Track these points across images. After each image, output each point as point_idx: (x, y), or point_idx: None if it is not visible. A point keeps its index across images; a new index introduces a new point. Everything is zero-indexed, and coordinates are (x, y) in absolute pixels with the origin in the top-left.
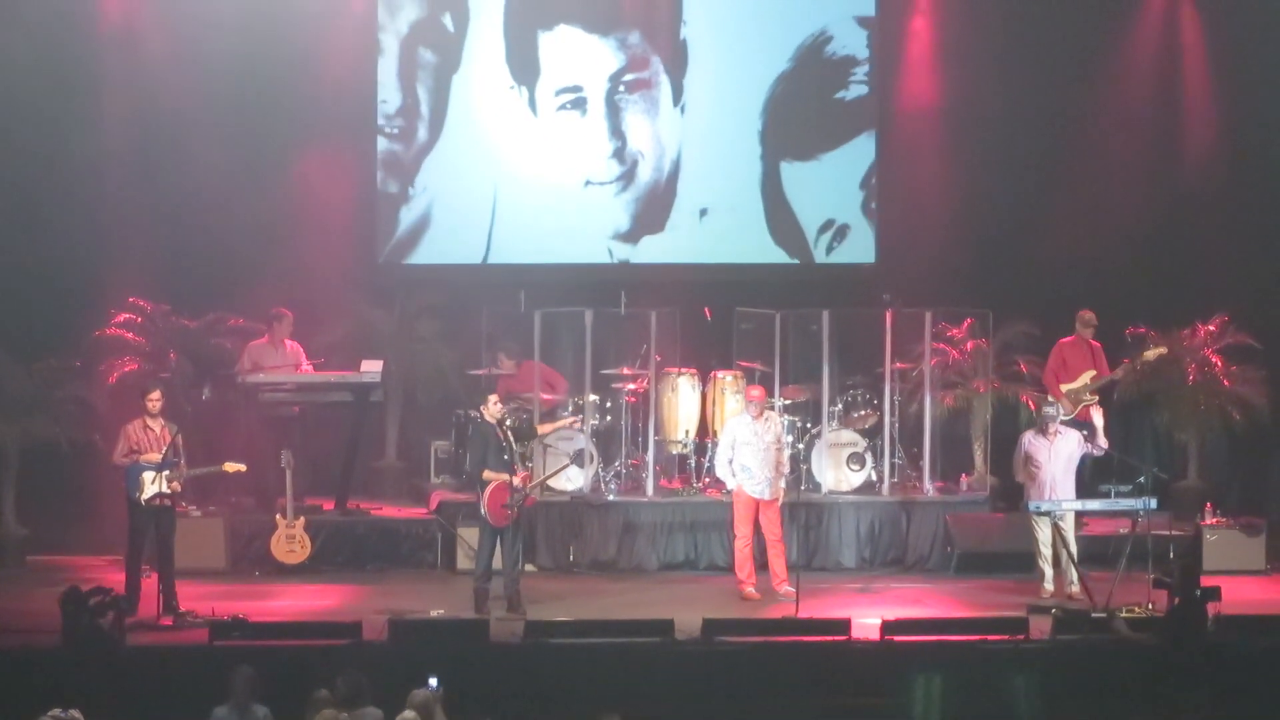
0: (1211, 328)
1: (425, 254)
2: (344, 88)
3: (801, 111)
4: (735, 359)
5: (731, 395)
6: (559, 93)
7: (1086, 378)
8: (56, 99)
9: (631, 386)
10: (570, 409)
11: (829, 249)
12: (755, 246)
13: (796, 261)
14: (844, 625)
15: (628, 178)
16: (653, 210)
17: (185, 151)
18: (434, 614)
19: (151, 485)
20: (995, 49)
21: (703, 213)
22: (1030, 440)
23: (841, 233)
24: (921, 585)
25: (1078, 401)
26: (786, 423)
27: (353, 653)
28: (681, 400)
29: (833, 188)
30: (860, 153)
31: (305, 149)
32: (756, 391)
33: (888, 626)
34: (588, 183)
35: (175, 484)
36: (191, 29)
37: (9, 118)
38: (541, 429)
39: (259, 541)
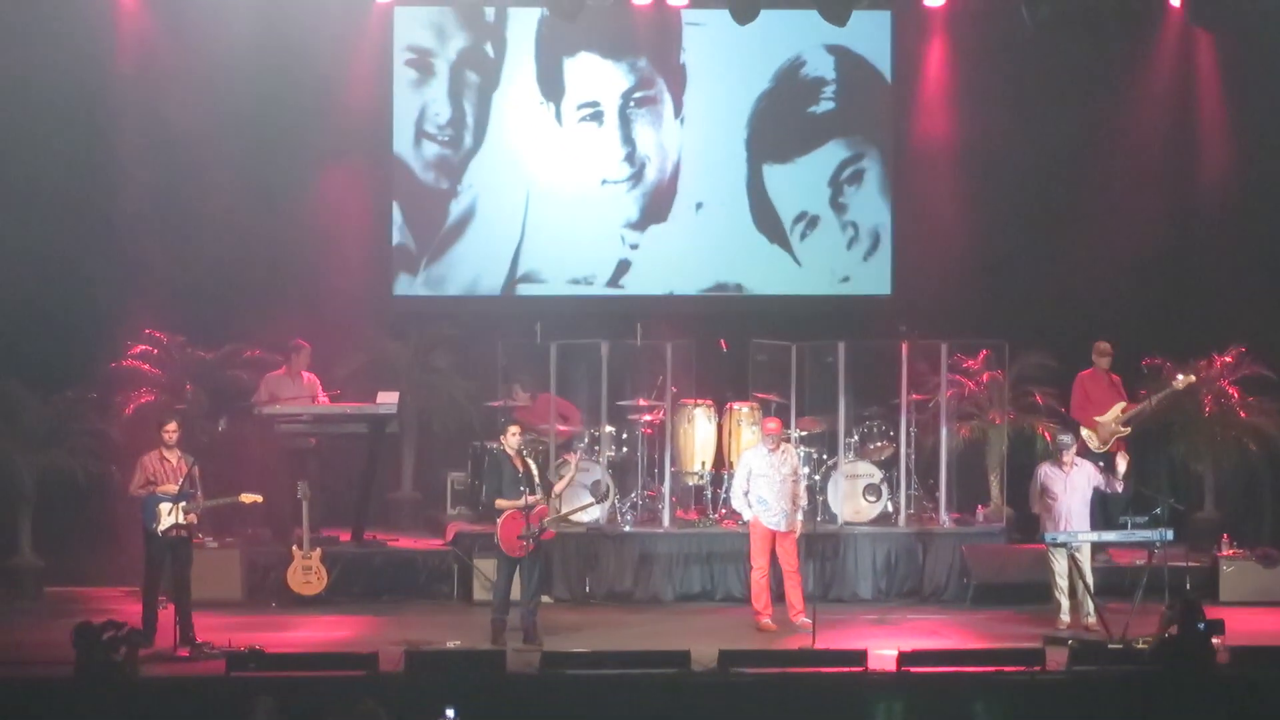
0: (1228, 359)
1: (470, 246)
2: (361, 120)
3: (780, 123)
4: (751, 390)
5: (747, 427)
6: (580, 107)
7: (1117, 409)
8: (73, 130)
9: (648, 418)
10: (585, 441)
11: (802, 236)
12: (743, 235)
13: (785, 253)
14: (860, 656)
15: (637, 177)
16: (658, 203)
17: (201, 183)
18: (450, 645)
19: (168, 517)
20: (1009, 81)
21: (699, 205)
22: (1046, 471)
23: (813, 222)
24: (938, 616)
25: (1110, 435)
26: (802, 454)
27: (369, 684)
28: (698, 431)
29: (805, 185)
30: (829, 156)
31: (321, 181)
32: (773, 424)
33: (904, 658)
34: (604, 181)
35: (192, 515)
36: (207, 60)
37: (26, 149)
38: (555, 486)
39: (275, 573)
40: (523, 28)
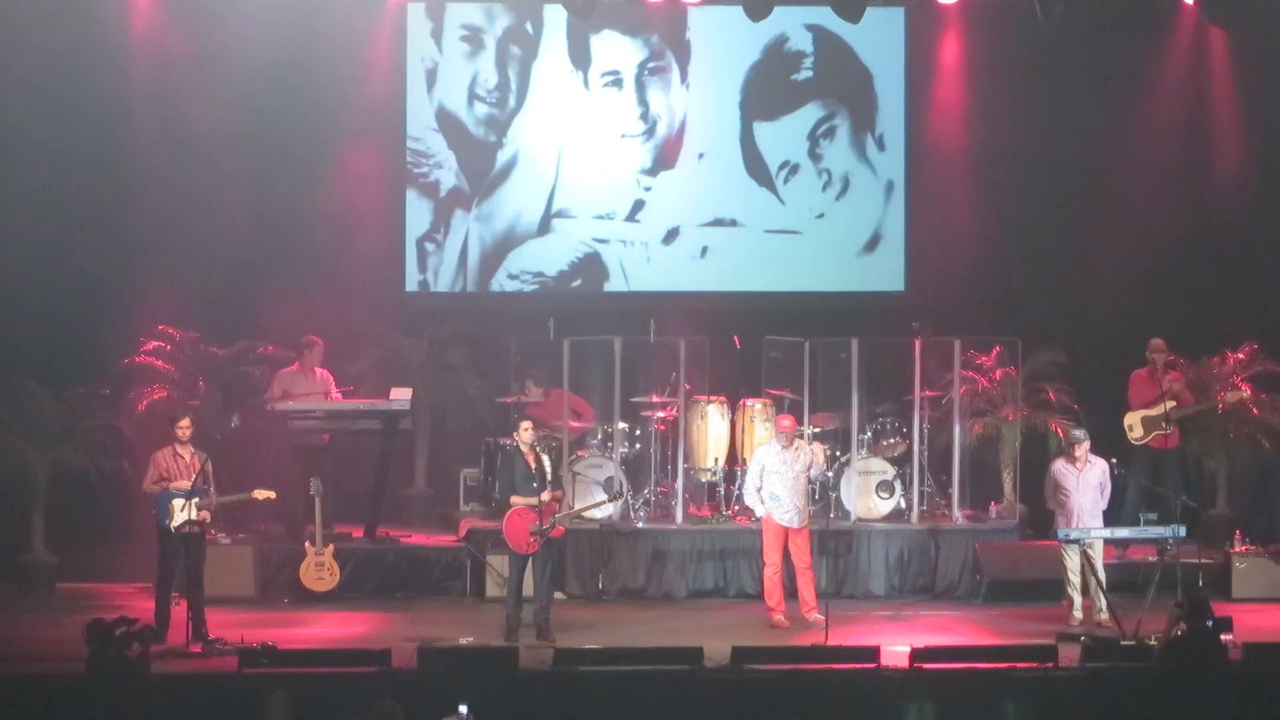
0: (1241, 356)
1: (513, 188)
2: (376, 115)
3: (767, 88)
4: (764, 387)
5: (760, 423)
6: (603, 75)
7: (1165, 407)
8: (85, 127)
9: (661, 414)
10: (599, 437)
11: (785, 180)
12: (737, 179)
13: (771, 194)
14: (873, 653)
15: (649, 132)
16: (667, 153)
17: (214, 179)
18: (463, 642)
19: (181, 513)
20: (1023, 78)
21: (700, 155)
22: (1059, 468)
23: (794, 169)
24: (950, 613)
25: (1152, 428)
26: (808, 448)
27: (382, 681)
28: (711, 428)
29: (788, 139)
30: (808, 115)
31: (334, 178)
32: (787, 421)
33: (917, 654)
34: (622, 135)
35: (204, 512)
36: (221, 57)
37: (38, 145)
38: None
39: (288, 569)
40: (557, 11)
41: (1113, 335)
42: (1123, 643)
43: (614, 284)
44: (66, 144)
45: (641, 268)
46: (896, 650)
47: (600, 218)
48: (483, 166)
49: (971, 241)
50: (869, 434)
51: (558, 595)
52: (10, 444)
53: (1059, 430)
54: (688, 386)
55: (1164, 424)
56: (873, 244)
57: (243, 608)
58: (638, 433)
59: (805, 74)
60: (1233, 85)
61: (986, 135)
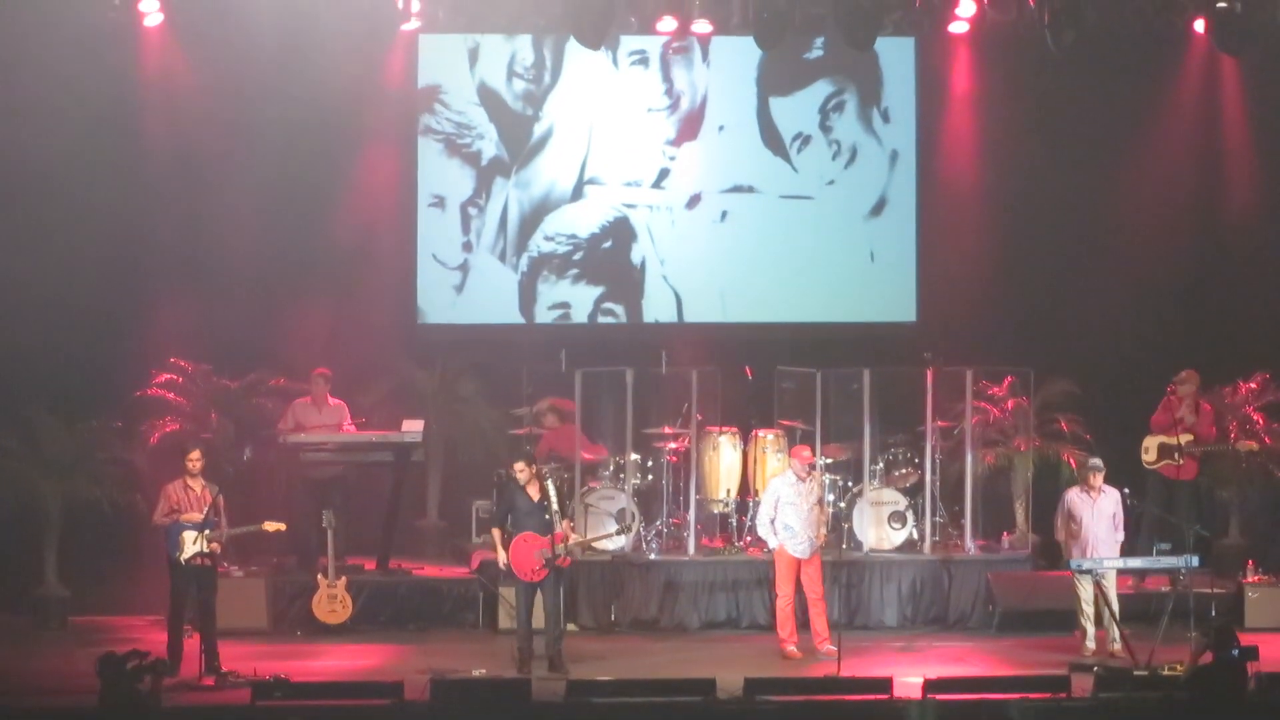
0: (1253, 385)
1: (548, 157)
2: (387, 146)
3: (782, 66)
4: (776, 418)
5: (773, 454)
6: (631, 54)
7: (1183, 439)
8: (96, 157)
9: (673, 445)
10: (611, 468)
11: (798, 150)
12: (754, 149)
13: (785, 162)
14: (886, 684)
15: (674, 106)
16: (689, 126)
17: (226, 211)
18: (476, 674)
19: (192, 545)
20: (1033, 107)
21: (720, 127)
22: (1073, 497)
23: (806, 140)
24: (963, 643)
25: (1164, 456)
26: (828, 481)
27: (395, 713)
28: (723, 459)
29: (801, 112)
30: (818, 91)
31: (347, 210)
32: (807, 452)
33: (930, 685)
34: (649, 109)
35: (215, 544)
36: (231, 86)
37: (49, 174)
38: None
39: (301, 601)
40: None
41: (1125, 365)
42: (1136, 673)
43: (641, 246)
44: (78, 175)
45: (666, 230)
46: (910, 681)
47: (629, 185)
48: (521, 138)
49: (983, 272)
50: (881, 464)
51: (570, 627)
52: (23, 476)
53: (1071, 460)
54: (699, 417)
55: (1176, 455)
56: (879, 208)
57: (255, 640)
58: (650, 464)
59: (816, 53)
60: (1244, 113)
61: (998, 164)
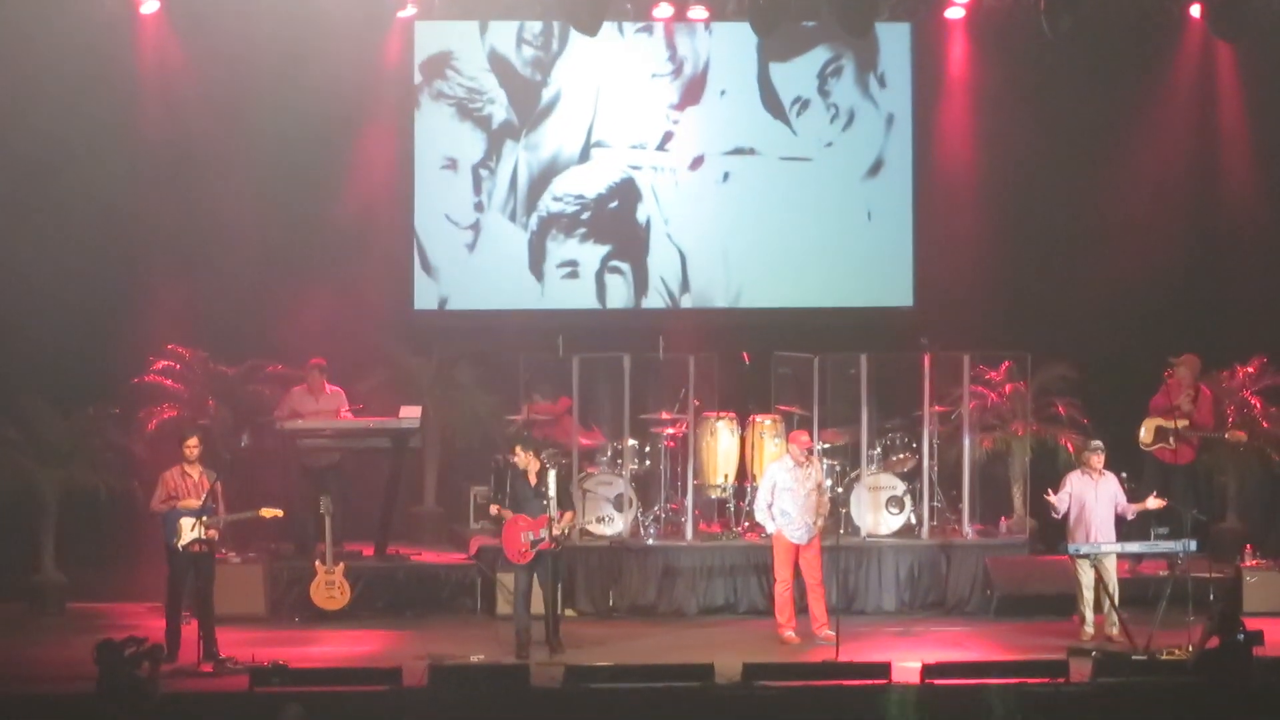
0: (1250, 369)
1: (556, 121)
2: (384, 133)
3: (781, 32)
4: (774, 403)
5: (770, 439)
6: (636, 24)
7: (1179, 424)
8: (93, 145)
9: (670, 431)
10: (608, 454)
11: (797, 114)
12: (754, 113)
13: (784, 125)
14: (884, 669)
15: (677, 71)
16: (692, 91)
17: (222, 197)
18: (474, 659)
19: (190, 532)
20: (1030, 93)
21: (722, 92)
22: (1075, 480)
23: (805, 104)
24: (962, 628)
25: (1159, 439)
26: (825, 466)
27: (393, 699)
28: (720, 444)
29: (799, 77)
30: (817, 57)
31: (344, 196)
32: (805, 437)
33: (928, 670)
34: (653, 75)
35: (212, 530)
36: (227, 75)
37: (46, 163)
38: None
39: (299, 588)
40: None
41: (1122, 349)
42: (1134, 657)
43: (646, 206)
44: (74, 163)
45: (670, 191)
46: (908, 666)
47: (634, 147)
48: (530, 103)
49: (979, 256)
50: (879, 449)
51: (568, 612)
52: (20, 464)
53: (1069, 445)
54: (697, 403)
55: (1170, 439)
56: (875, 169)
57: (253, 626)
58: (647, 449)
59: (810, 23)
60: (1240, 98)
61: (993, 149)
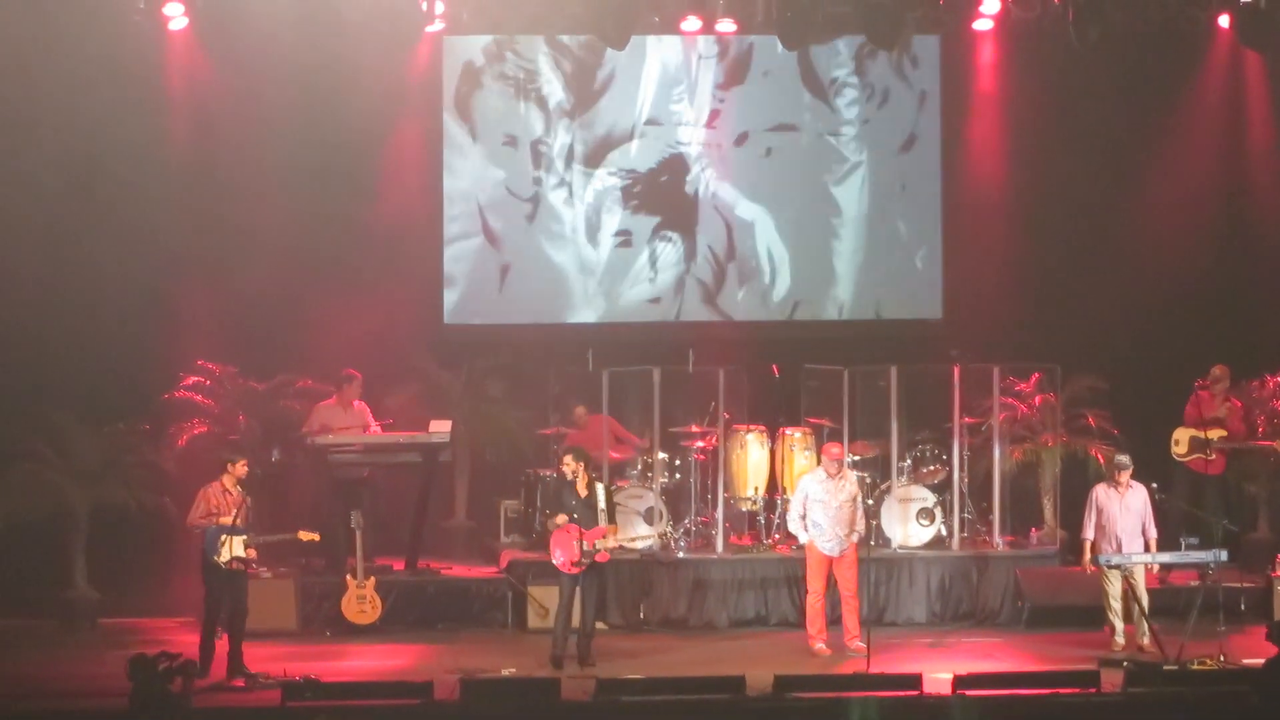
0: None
1: (610, 100)
2: (413, 147)
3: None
4: (803, 415)
5: (800, 452)
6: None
7: (1214, 435)
8: (123, 161)
9: (700, 444)
10: (639, 467)
11: (836, 94)
12: (795, 92)
13: (824, 103)
14: (915, 680)
15: (723, 53)
16: (737, 70)
17: (251, 213)
18: (505, 673)
19: (231, 549)
20: (1058, 103)
21: (765, 73)
22: (1101, 492)
23: (844, 85)
24: (993, 639)
25: (1195, 449)
26: (855, 478)
27: (425, 713)
28: (750, 457)
29: (838, 59)
30: (854, 40)
31: (372, 210)
32: (836, 449)
33: (959, 681)
34: (700, 56)
35: (252, 550)
36: (255, 86)
37: (75, 178)
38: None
39: (330, 602)
40: None
41: (1152, 360)
42: (1165, 667)
43: (693, 179)
44: (103, 179)
45: (717, 166)
46: (939, 677)
47: (682, 124)
48: (584, 84)
49: (1008, 268)
50: (909, 461)
51: (599, 626)
52: (51, 480)
53: (1099, 456)
54: (726, 416)
55: (1207, 449)
56: (908, 144)
57: (285, 641)
58: (677, 462)
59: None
60: (1269, 108)
61: (1022, 161)
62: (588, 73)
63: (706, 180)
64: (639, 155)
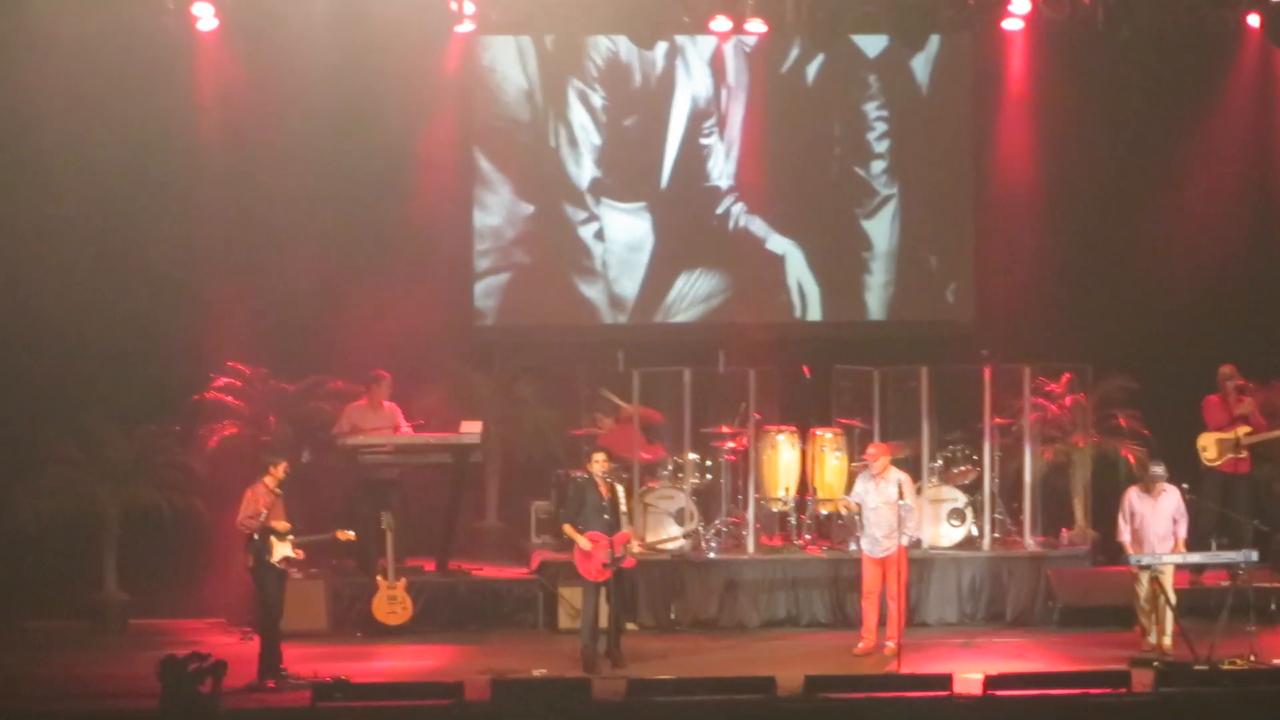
0: None
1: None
2: (442, 148)
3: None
4: (834, 416)
5: (830, 453)
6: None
7: (1240, 432)
8: (152, 163)
9: (731, 444)
10: (669, 467)
11: (868, 129)
12: (824, 128)
13: None
14: (946, 681)
15: (753, 86)
16: (765, 102)
17: (282, 214)
18: (536, 673)
19: (281, 549)
20: (1088, 103)
21: (795, 105)
22: (1134, 495)
23: (871, 121)
24: (1023, 640)
25: (1225, 451)
26: (897, 480)
27: (456, 713)
28: (781, 457)
29: (877, 44)
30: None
31: (403, 211)
32: (871, 450)
33: (990, 681)
34: (730, 89)
35: (299, 550)
36: (285, 87)
37: (105, 180)
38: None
39: (361, 603)
40: None
41: (1183, 360)
42: (1196, 668)
43: (723, 214)
44: (134, 180)
45: (748, 198)
46: (970, 678)
47: (712, 158)
48: (626, 75)
49: (1039, 268)
50: (940, 462)
51: (630, 626)
52: (82, 482)
53: (1130, 456)
54: (757, 416)
55: (1237, 448)
56: (939, 159)
57: (316, 642)
58: (708, 463)
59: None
60: None
61: (1052, 161)
62: (620, 108)
63: (736, 215)
64: (669, 190)
